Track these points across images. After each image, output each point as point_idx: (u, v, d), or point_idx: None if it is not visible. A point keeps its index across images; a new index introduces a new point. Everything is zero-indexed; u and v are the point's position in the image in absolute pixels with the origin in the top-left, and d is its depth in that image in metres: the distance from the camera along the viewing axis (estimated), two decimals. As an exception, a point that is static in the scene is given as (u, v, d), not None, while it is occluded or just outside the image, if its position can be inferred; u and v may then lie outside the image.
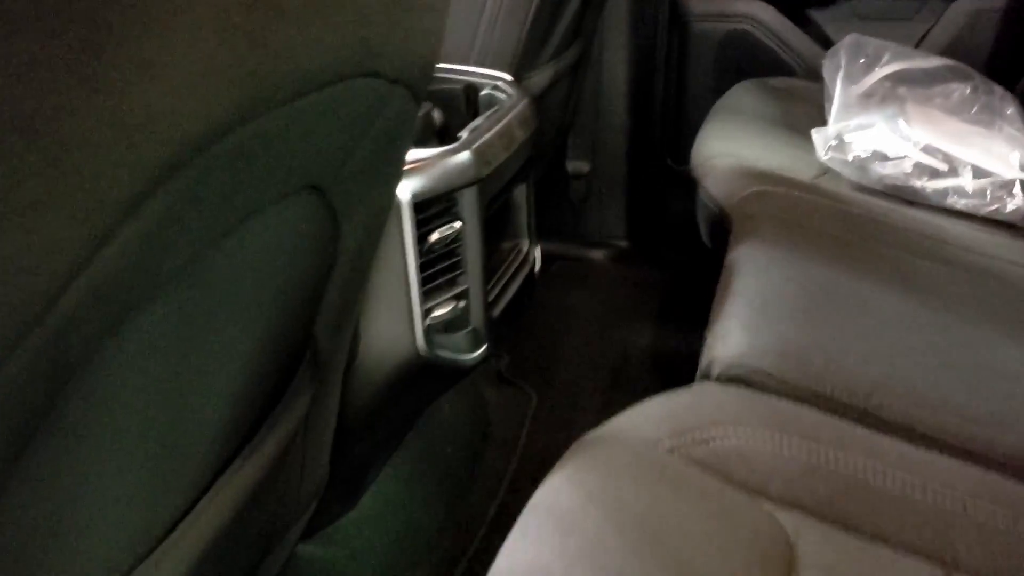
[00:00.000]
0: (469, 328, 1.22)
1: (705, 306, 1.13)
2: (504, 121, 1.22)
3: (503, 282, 1.32)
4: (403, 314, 1.11)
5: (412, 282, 1.10)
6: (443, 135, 1.30)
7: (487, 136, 1.17)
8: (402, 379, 1.19)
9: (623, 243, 2.41)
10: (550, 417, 1.75)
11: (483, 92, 1.36)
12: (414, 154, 1.10)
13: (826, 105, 1.74)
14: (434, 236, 1.12)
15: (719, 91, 2.18)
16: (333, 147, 0.62)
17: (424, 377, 1.20)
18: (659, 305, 2.15)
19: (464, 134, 1.18)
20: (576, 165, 2.35)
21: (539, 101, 1.76)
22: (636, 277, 2.29)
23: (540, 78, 1.73)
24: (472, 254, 1.17)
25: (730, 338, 1.05)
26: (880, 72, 1.80)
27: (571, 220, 2.41)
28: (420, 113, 1.21)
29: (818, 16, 2.20)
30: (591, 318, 2.09)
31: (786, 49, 2.13)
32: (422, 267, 1.12)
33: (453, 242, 1.15)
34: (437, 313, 1.17)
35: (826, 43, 2.17)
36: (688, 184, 1.73)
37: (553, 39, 1.74)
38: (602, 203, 2.39)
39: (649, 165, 2.34)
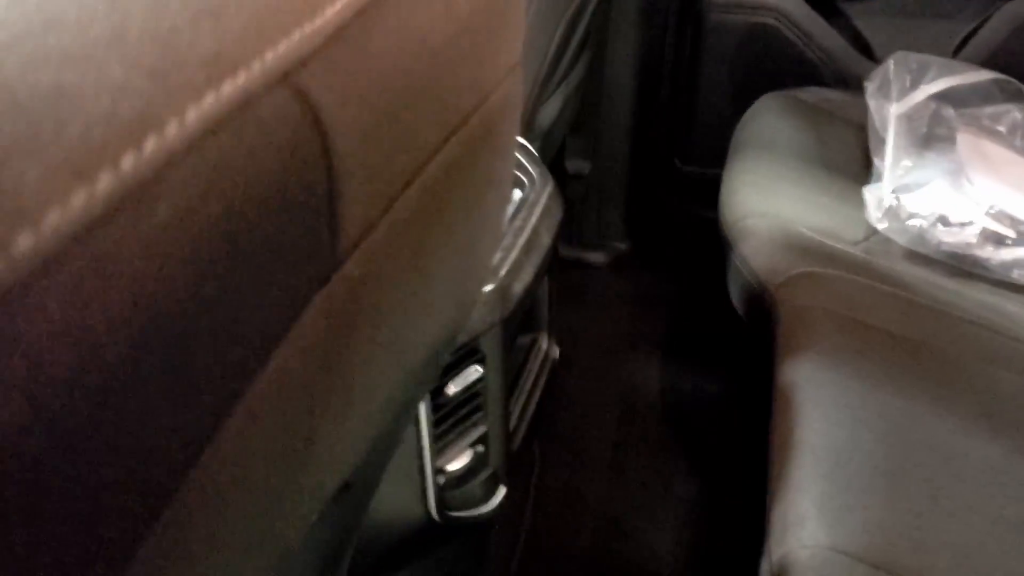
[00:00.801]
0: (487, 473, 1.04)
1: (712, 334, 0.97)
2: (530, 228, 1.02)
3: (524, 395, 1.14)
4: (413, 476, 0.93)
5: (424, 441, 0.91)
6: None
7: (513, 257, 0.97)
8: (410, 543, 1.02)
9: (623, 246, 2.22)
10: (555, 482, 1.59)
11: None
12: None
13: (870, 135, 1.55)
14: (451, 389, 0.93)
15: (736, 89, 1.98)
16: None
17: (433, 537, 1.03)
18: (666, 327, 1.98)
19: (484, 252, 0.97)
20: (576, 164, 2.14)
21: (548, 134, 1.55)
22: (639, 290, 2.11)
23: (551, 108, 1.51)
24: (495, 397, 0.99)
25: (805, 531, 0.88)
26: (925, 90, 1.60)
27: (569, 221, 2.21)
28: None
29: (849, 9, 1.97)
30: (593, 346, 1.92)
31: (813, 47, 1.91)
32: (436, 422, 0.94)
33: (473, 387, 0.97)
34: (452, 468, 0.99)
35: (856, 39, 1.96)
36: (695, 191, 1.53)
37: (564, 62, 1.51)
38: (602, 204, 2.20)
39: (654, 165, 2.14)
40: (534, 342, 1.21)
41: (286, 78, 0.28)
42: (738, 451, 1.58)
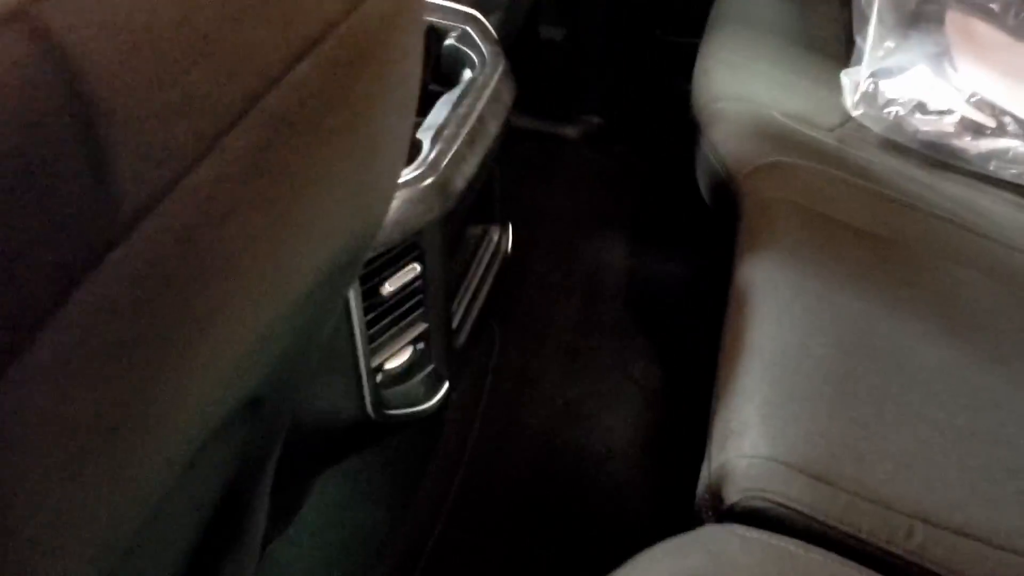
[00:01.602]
0: (427, 370, 1.01)
1: (683, 217, 0.92)
2: (475, 115, 0.96)
3: (471, 289, 1.10)
4: (348, 375, 0.90)
5: (358, 341, 0.88)
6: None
7: (455, 148, 0.91)
8: (348, 440, 0.99)
9: (597, 120, 2.14)
10: (512, 365, 1.57)
11: (447, 42, 1.07)
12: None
13: (854, 12, 1.46)
14: (386, 288, 0.89)
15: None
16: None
17: (374, 433, 1.01)
18: (636, 207, 1.93)
19: (424, 142, 0.91)
20: (549, 31, 2.04)
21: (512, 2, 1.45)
22: (611, 167, 2.04)
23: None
24: (434, 295, 0.95)
25: (745, 440, 0.86)
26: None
27: (542, 92, 2.12)
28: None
29: None
30: (559, 224, 1.87)
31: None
32: (372, 321, 0.90)
33: (410, 285, 0.93)
34: (390, 365, 0.96)
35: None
36: (676, 62, 1.44)
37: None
38: (578, 74, 2.10)
39: (634, 33, 2.04)
40: (485, 233, 1.16)
41: (20, 15, 0.22)
42: (700, 340, 1.55)
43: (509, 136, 1.67)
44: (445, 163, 0.89)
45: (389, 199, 0.57)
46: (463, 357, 1.08)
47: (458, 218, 0.96)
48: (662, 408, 1.51)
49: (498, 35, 1.52)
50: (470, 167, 0.93)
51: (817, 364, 0.94)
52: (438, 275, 0.94)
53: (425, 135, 0.92)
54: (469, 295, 1.08)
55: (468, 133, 0.94)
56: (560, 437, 1.47)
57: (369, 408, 0.93)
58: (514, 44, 2.00)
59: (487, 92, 0.99)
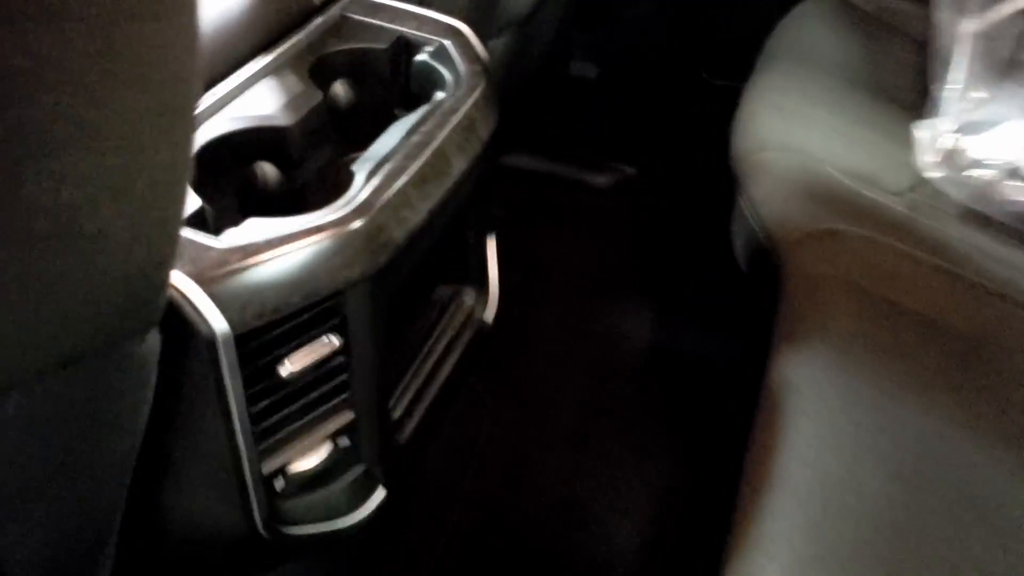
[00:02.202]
0: (354, 473, 0.78)
1: (719, 286, 0.68)
2: (434, 145, 0.73)
3: (427, 368, 0.86)
4: (226, 483, 0.67)
5: (239, 440, 0.65)
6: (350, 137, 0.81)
7: (398, 186, 0.68)
8: (247, 560, 0.76)
9: (630, 169, 1.91)
10: (503, 449, 1.33)
11: (418, 57, 0.85)
12: (253, 231, 0.63)
13: (932, 57, 1.22)
14: (285, 368, 0.66)
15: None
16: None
17: (277, 553, 0.77)
18: (665, 269, 1.68)
19: (357, 175, 0.69)
20: (581, 68, 1.82)
21: (530, 24, 1.24)
22: (640, 222, 1.81)
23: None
24: (363, 377, 0.72)
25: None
26: (1016, 3, 1.26)
27: (570, 135, 1.90)
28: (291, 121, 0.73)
29: None
30: (574, 282, 1.63)
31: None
32: (265, 412, 0.67)
33: (325, 363, 0.70)
34: (298, 468, 0.72)
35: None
36: (724, 109, 1.22)
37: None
38: (610, 117, 1.88)
39: (675, 75, 1.81)
40: (455, 296, 0.93)
41: None
42: (727, 439, 1.30)
43: (526, 181, 1.45)
44: (379, 205, 0.67)
45: (164, 241, 0.35)
46: (411, 454, 0.84)
47: (402, 278, 0.73)
48: (678, 518, 1.25)
49: (506, 63, 1.30)
50: (416, 214, 0.70)
51: (869, 506, 0.69)
52: (368, 351, 0.71)
53: (362, 168, 0.70)
54: (423, 376, 0.85)
55: (419, 169, 0.71)
56: (557, 544, 1.22)
57: (259, 524, 0.70)
58: (540, 80, 1.79)
59: (454, 119, 0.76)
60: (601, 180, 1.91)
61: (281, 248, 0.62)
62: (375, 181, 0.69)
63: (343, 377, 0.72)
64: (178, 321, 0.59)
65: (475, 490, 1.25)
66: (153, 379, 0.52)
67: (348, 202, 0.67)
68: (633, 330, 1.53)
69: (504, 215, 1.79)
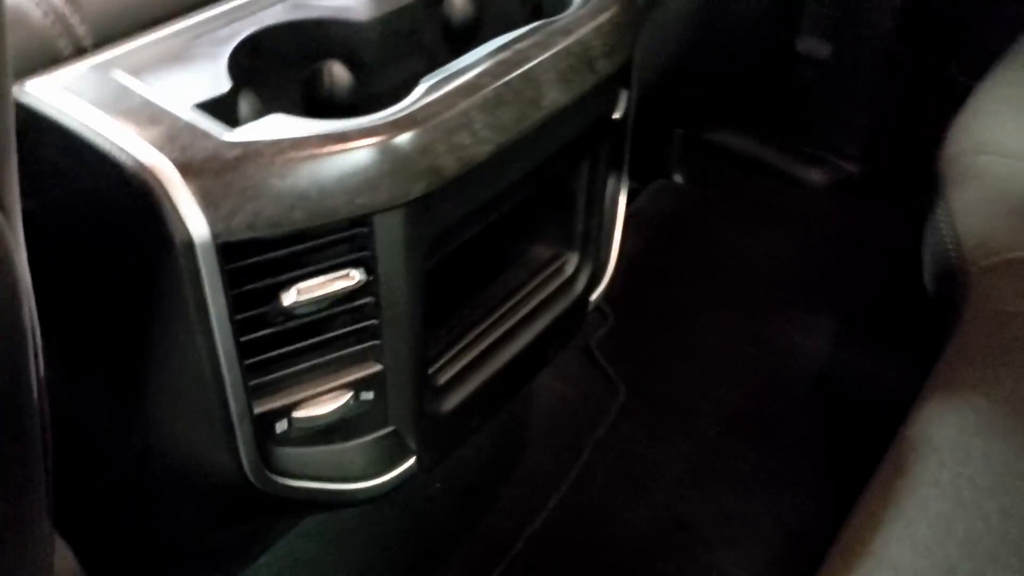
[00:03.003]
0: (380, 434, 0.67)
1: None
2: (522, 70, 0.61)
3: (494, 335, 0.74)
4: (210, 415, 0.58)
5: (223, 369, 0.56)
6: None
7: (462, 106, 0.57)
8: (237, 510, 0.68)
9: (853, 167, 1.68)
10: (624, 446, 1.19)
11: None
12: (269, 128, 0.53)
13: None
14: (290, 297, 0.56)
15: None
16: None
17: (282, 510, 0.68)
18: (863, 281, 1.46)
19: (419, 87, 0.58)
20: (811, 44, 1.61)
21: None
22: (849, 226, 1.58)
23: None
24: (395, 324, 0.61)
25: None
26: None
27: (788, 121, 1.70)
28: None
29: None
30: (758, 279, 1.45)
31: None
32: (258, 344, 0.58)
33: (344, 300, 0.59)
34: (308, 414, 0.63)
35: None
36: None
37: None
38: (838, 105, 1.66)
39: (917, 68, 1.57)
40: (553, 261, 0.80)
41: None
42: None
43: (727, 162, 1.29)
44: (426, 122, 0.55)
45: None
46: (456, 428, 0.73)
47: (459, 219, 0.61)
48: (796, 564, 1.07)
49: (697, 19, 1.14)
50: (480, 144, 0.58)
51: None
52: (401, 296, 0.60)
53: (429, 80, 0.59)
54: (485, 344, 0.73)
55: (495, 91, 0.59)
56: (652, 564, 1.07)
57: (247, 469, 0.61)
58: (755, 50, 1.60)
59: (562, 42, 0.63)
60: (815, 176, 1.70)
61: (290, 152, 0.52)
62: (434, 95, 0.57)
63: (370, 322, 0.61)
64: (156, 218, 0.50)
65: (576, 487, 1.13)
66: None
67: (394, 111, 0.56)
68: (803, 345, 1.33)
69: (691, 192, 1.63)
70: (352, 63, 0.66)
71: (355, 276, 0.58)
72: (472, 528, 1.06)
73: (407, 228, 0.57)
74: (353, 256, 0.58)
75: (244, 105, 0.61)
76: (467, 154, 0.58)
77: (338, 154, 0.53)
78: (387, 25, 0.65)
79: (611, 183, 0.84)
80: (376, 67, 0.66)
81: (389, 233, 0.57)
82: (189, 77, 0.57)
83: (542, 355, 0.81)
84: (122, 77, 0.55)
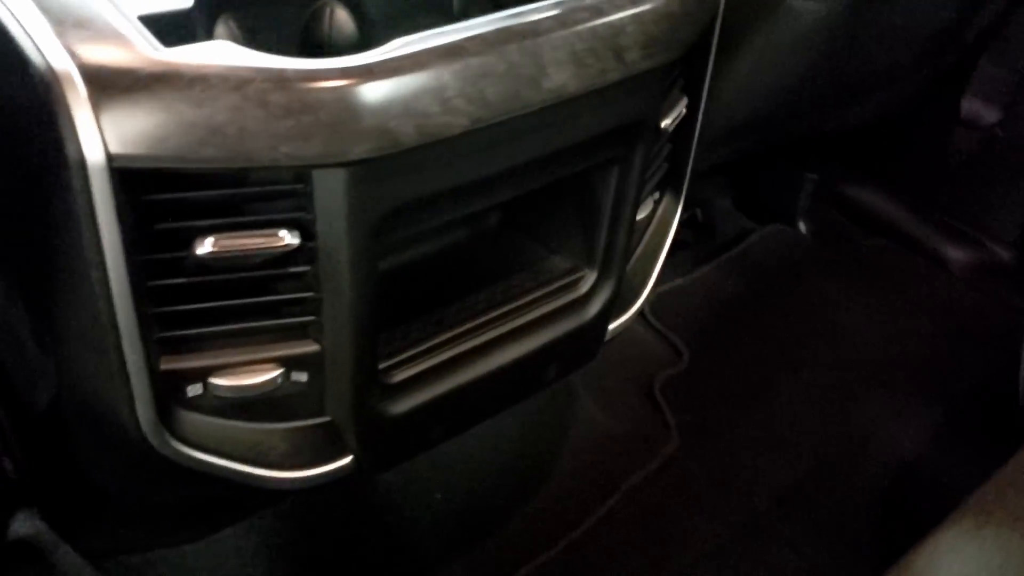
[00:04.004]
0: (312, 422, 0.60)
1: None
2: (528, 41, 0.53)
3: (476, 342, 0.66)
4: (107, 364, 0.53)
5: (117, 308, 0.50)
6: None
7: (433, 68, 0.49)
8: (148, 472, 0.62)
9: (1006, 253, 1.49)
10: (655, 498, 1.08)
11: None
12: (204, 53, 0.47)
13: None
14: (203, 247, 0.50)
15: None
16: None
17: (193, 483, 0.62)
18: (988, 393, 1.29)
19: (395, 41, 0.51)
20: (978, 108, 1.44)
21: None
22: (976, 320, 1.40)
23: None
24: (335, 299, 0.54)
25: None
26: None
27: (937, 185, 1.52)
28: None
29: None
30: (853, 355, 1.30)
31: None
32: (177, 291, 0.52)
33: (277, 262, 0.53)
34: (227, 383, 0.56)
35: None
36: None
37: None
38: (999, 179, 1.47)
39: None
40: (568, 275, 0.71)
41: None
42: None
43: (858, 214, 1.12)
44: (392, 79, 0.48)
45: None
46: (409, 436, 0.65)
47: (428, 197, 0.54)
48: None
49: (832, 39, 1.01)
50: (450, 114, 0.50)
51: None
52: (342, 270, 0.53)
53: (416, 38, 0.51)
54: (463, 349, 0.65)
55: (481, 61, 0.51)
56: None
57: (146, 429, 0.55)
58: (914, 107, 1.44)
59: (586, 21, 0.55)
60: (956, 255, 1.52)
61: (214, 80, 0.46)
62: (404, 51, 0.50)
63: (307, 295, 0.55)
64: (54, 130, 0.45)
65: (592, 533, 1.02)
66: None
67: (347, 62, 0.49)
68: (885, 433, 1.18)
69: (810, 244, 1.48)
70: (359, 13, 0.59)
71: (284, 237, 0.51)
72: (465, 551, 0.98)
73: (351, 194, 0.50)
74: (288, 216, 0.51)
75: (224, 33, 0.55)
76: (431, 124, 0.50)
77: (266, 91, 0.46)
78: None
79: (656, 202, 0.75)
80: (377, 15, 0.60)
81: (330, 196, 0.50)
82: (152, -12, 0.52)
83: (537, 375, 0.72)
84: (77, -26, 0.51)
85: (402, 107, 0.49)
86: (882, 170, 1.54)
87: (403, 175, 0.52)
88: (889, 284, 1.44)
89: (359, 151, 0.48)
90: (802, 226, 1.53)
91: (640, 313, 1.20)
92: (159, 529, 0.85)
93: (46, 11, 0.47)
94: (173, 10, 0.51)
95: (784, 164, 1.53)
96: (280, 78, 0.47)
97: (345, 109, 0.47)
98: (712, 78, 0.86)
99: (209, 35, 0.54)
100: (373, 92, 0.48)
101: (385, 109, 0.48)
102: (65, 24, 0.47)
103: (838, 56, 1.01)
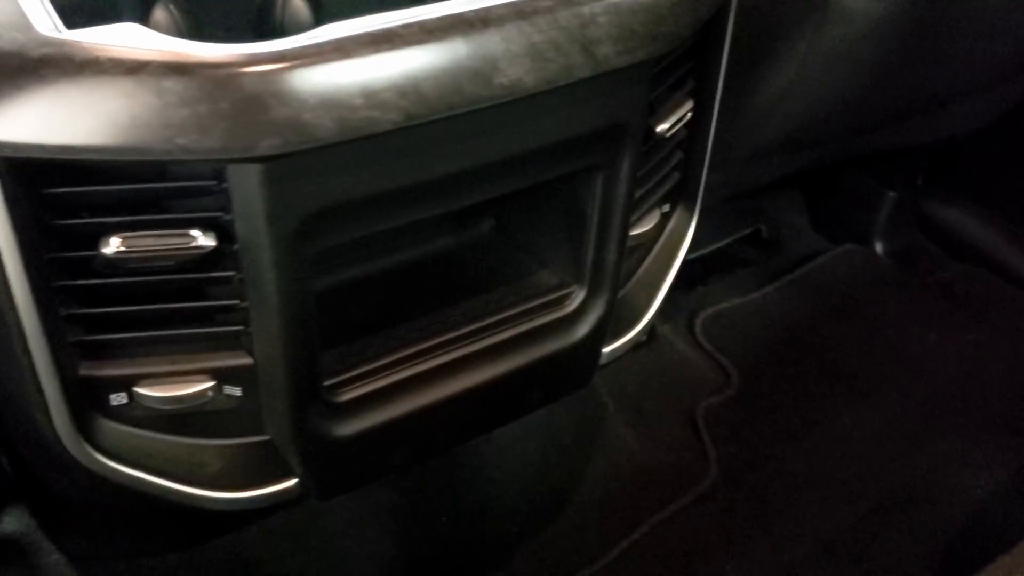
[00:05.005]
0: (249, 440, 0.56)
1: None
2: (475, 34, 0.47)
3: (441, 360, 0.61)
4: (16, 367, 0.50)
5: (19, 307, 0.47)
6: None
7: (356, 54, 0.45)
8: (75, 486, 0.59)
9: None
10: (687, 532, 1.00)
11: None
12: (113, 35, 0.43)
13: None
14: (110, 247, 0.46)
15: None
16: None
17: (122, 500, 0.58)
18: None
19: (323, 27, 0.46)
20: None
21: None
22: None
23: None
24: (263, 308, 0.50)
25: None
26: None
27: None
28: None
29: None
30: (924, 389, 1.19)
31: None
32: (90, 293, 0.48)
33: (196, 266, 0.49)
34: (153, 393, 0.53)
35: None
36: None
37: None
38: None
39: None
40: (556, 290, 0.65)
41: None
42: None
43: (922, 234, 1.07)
44: (307, 67, 0.43)
45: None
46: (362, 459, 0.60)
47: (362, 202, 0.49)
48: None
49: (897, 37, 0.91)
50: (376, 108, 0.45)
51: None
52: (270, 275, 0.48)
53: (353, 23, 0.47)
54: (426, 366, 0.59)
55: (419, 50, 0.46)
56: None
57: (63, 437, 0.51)
58: (1004, 116, 1.31)
59: (548, 9, 0.49)
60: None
61: (106, 64, 0.42)
62: (327, 37, 0.45)
63: (232, 302, 0.50)
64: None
65: (610, 570, 0.95)
66: None
67: (258, 47, 0.44)
68: (958, 485, 1.07)
69: (886, 266, 1.37)
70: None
71: (197, 238, 0.47)
72: (469, 580, 0.92)
73: (269, 192, 0.46)
74: (204, 215, 0.47)
75: (163, 19, 0.52)
76: (355, 118, 0.45)
77: (160, 77, 0.42)
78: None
79: (665, 215, 0.68)
80: (343, 9, 0.55)
81: (246, 194, 0.46)
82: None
83: (518, 399, 0.66)
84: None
85: (318, 99, 0.44)
86: (972, 188, 1.41)
87: (328, 174, 0.47)
88: (972, 314, 1.31)
89: (267, 145, 0.43)
90: (878, 246, 1.42)
91: (689, 333, 1.12)
92: (139, 536, 0.82)
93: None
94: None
95: (861, 178, 1.42)
96: (178, 63, 0.42)
97: (249, 98, 0.43)
98: (748, 84, 0.79)
99: (143, 22, 0.50)
100: (284, 81, 0.43)
101: (299, 100, 0.43)
102: (-36, 3, 0.44)
103: (902, 63, 0.91)
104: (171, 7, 0.52)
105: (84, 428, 0.52)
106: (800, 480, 1.07)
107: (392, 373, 0.59)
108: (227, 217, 0.47)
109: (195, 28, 0.52)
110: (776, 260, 1.40)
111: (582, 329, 0.65)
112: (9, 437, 0.63)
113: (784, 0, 0.74)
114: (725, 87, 0.66)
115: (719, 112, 0.67)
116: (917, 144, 1.25)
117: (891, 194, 1.41)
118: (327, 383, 0.56)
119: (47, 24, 0.44)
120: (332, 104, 0.44)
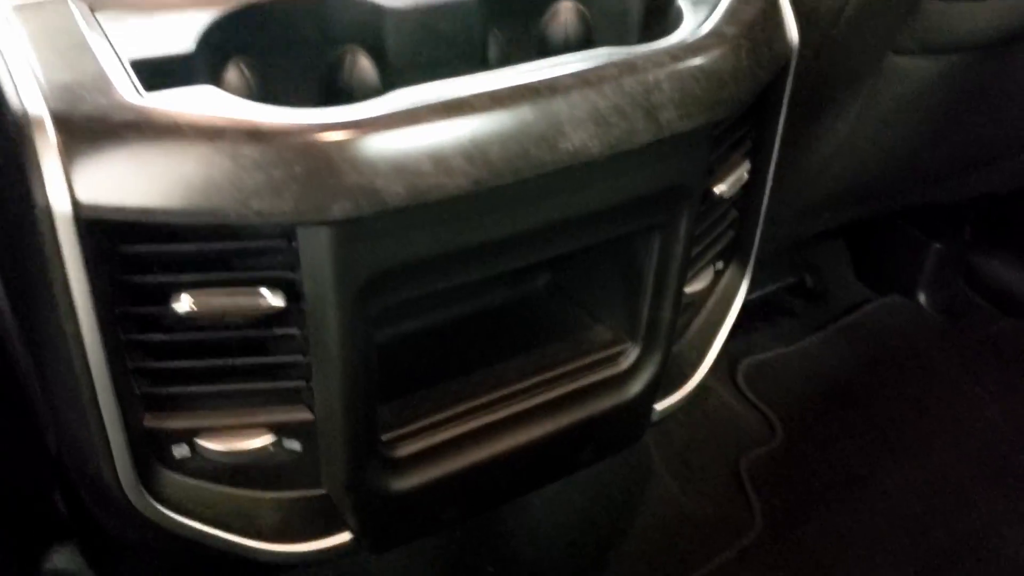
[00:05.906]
0: (305, 494, 0.57)
1: None
2: (542, 101, 0.48)
3: (497, 416, 0.61)
4: (85, 418, 0.51)
5: (91, 363, 0.48)
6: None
7: (427, 122, 0.45)
8: (133, 533, 0.60)
9: None
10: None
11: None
12: (192, 101, 0.45)
13: None
14: (182, 304, 0.47)
15: None
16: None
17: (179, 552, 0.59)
18: None
19: (396, 92, 0.47)
20: None
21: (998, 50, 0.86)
22: None
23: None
24: (326, 365, 0.51)
25: None
26: None
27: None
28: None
29: None
30: (980, 449, 1.17)
31: None
32: (160, 348, 0.49)
33: (263, 324, 0.50)
34: (215, 447, 0.53)
35: None
36: None
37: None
38: None
39: None
40: (610, 346, 0.65)
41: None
42: None
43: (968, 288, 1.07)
44: (380, 134, 0.44)
45: None
46: (416, 514, 0.60)
47: (431, 261, 0.49)
48: None
49: (946, 94, 0.90)
50: (445, 175, 0.46)
51: None
52: (335, 333, 0.49)
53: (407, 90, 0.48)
54: (481, 423, 0.60)
55: (488, 118, 0.47)
56: None
57: (126, 486, 0.52)
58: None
59: (616, 79, 0.50)
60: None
61: (185, 130, 0.43)
62: (401, 105, 0.46)
63: (294, 358, 0.51)
64: (24, 176, 0.43)
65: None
66: None
67: (333, 114, 0.45)
68: (1011, 546, 1.05)
69: (931, 319, 1.35)
70: (379, 56, 0.56)
71: (267, 297, 0.48)
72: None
73: (337, 253, 0.46)
74: (273, 274, 0.48)
75: (235, 78, 0.53)
76: (424, 184, 0.46)
77: (238, 143, 0.43)
78: (421, 18, 0.55)
79: (719, 273, 0.68)
80: (399, 60, 0.56)
81: (315, 255, 0.47)
82: (156, 30, 0.50)
83: (570, 456, 0.66)
84: (79, 11, 0.49)
85: (390, 165, 0.45)
86: (1020, 241, 1.40)
87: (395, 236, 0.47)
88: (1021, 369, 1.30)
89: (339, 209, 0.44)
90: (923, 298, 1.41)
91: (732, 382, 1.11)
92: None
93: (37, 54, 0.46)
94: (171, 54, 0.49)
95: (907, 229, 1.41)
96: (254, 129, 0.43)
97: (323, 164, 0.44)
98: (801, 142, 0.79)
99: (215, 81, 0.52)
100: (357, 147, 0.44)
101: (371, 166, 0.44)
102: (54, 67, 0.45)
103: (955, 121, 0.91)
104: (243, 67, 0.53)
105: (146, 478, 0.53)
106: (845, 537, 1.06)
107: (448, 429, 0.59)
108: (294, 276, 0.48)
109: (265, 87, 0.54)
110: (820, 310, 1.39)
111: (636, 386, 0.65)
112: (68, 479, 0.64)
113: (840, 62, 0.74)
114: (780, 146, 0.67)
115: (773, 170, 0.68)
116: (967, 196, 1.24)
117: (937, 245, 1.40)
118: (384, 438, 0.57)
119: (128, 87, 0.45)
120: (402, 170, 0.45)
